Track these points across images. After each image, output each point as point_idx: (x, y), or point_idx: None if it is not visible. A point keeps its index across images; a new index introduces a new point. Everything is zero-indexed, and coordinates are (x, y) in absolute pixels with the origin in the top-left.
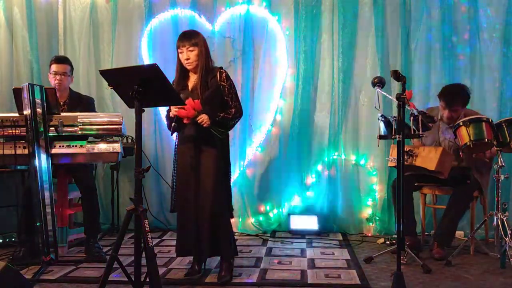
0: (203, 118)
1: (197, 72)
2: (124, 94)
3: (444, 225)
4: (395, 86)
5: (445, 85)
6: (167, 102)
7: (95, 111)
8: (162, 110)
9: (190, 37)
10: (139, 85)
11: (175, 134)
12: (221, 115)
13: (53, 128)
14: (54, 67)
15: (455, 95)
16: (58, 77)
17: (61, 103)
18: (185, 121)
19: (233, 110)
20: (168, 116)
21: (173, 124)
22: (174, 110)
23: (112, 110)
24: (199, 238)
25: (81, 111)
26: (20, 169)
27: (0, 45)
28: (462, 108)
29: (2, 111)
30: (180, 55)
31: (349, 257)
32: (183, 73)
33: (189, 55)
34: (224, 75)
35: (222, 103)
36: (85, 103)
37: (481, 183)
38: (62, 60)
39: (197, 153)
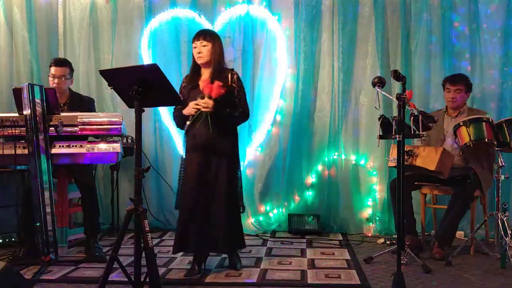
0: (208, 102)
1: (207, 69)
2: (124, 94)
3: (444, 225)
4: (395, 86)
5: None
6: (167, 102)
7: (95, 112)
8: (162, 110)
9: (205, 33)
10: (139, 85)
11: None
12: (228, 110)
13: (53, 128)
14: (52, 70)
15: (458, 76)
16: (56, 80)
17: (61, 104)
18: (192, 112)
19: (240, 109)
20: (179, 114)
21: (187, 122)
22: (193, 104)
23: (112, 110)
24: (211, 235)
25: (81, 112)
26: (20, 169)
27: (0, 45)
28: (465, 91)
29: (2, 111)
30: (193, 50)
31: (349, 257)
32: (195, 70)
33: (201, 49)
34: (235, 76)
35: (231, 103)
36: (86, 104)
37: (482, 180)
38: (61, 63)
39: (207, 153)
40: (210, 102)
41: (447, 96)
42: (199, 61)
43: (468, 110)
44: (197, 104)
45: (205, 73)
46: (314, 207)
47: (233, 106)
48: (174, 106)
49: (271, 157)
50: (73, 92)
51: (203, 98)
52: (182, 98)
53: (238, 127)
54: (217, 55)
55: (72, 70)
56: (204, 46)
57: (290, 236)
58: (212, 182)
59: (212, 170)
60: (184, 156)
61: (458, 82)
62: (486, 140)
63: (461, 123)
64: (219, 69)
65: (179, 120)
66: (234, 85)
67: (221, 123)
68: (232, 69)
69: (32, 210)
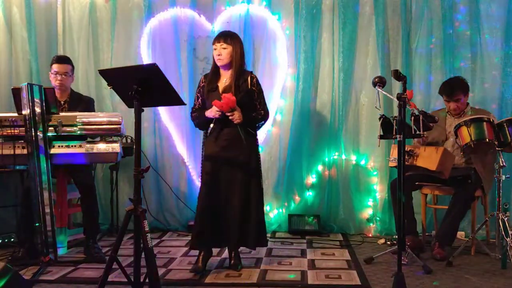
0: (236, 115)
1: (227, 71)
2: (123, 93)
3: (445, 225)
4: (396, 86)
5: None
6: (167, 102)
7: (95, 112)
8: (162, 110)
9: (226, 35)
10: (138, 85)
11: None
12: (253, 114)
13: (52, 128)
14: (55, 67)
15: (453, 85)
16: (59, 77)
17: (62, 103)
18: (216, 115)
19: (262, 112)
20: (201, 115)
21: (211, 125)
22: (214, 109)
23: (111, 110)
24: (230, 231)
25: (81, 111)
26: (19, 169)
27: None
28: (464, 96)
29: (1, 111)
30: (213, 51)
31: (349, 258)
32: (215, 71)
33: (221, 52)
34: (255, 80)
35: (251, 106)
36: (86, 103)
37: (484, 181)
38: (63, 60)
39: (227, 155)
40: (237, 113)
41: (448, 106)
42: (218, 63)
43: (471, 109)
44: (232, 118)
45: (224, 75)
46: (314, 208)
47: (255, 109)
48: (191, 106)
49: (271, 157)
50: (73, 91)
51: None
52: (200, 98)
53: None
54: (237, 58)
55: (73, 67)
56: (224, 48)
57: (290, 236)
58: (229, 182)
59: (229, 170)
60: (203, 157)
61: (455, 93)
62: (487, 140)
63: (462, 123)
64: (240, 71)
65: (201, 121)
66: (254, 88)
67: (247, 127)
68: (251, 72)
69: (31, 210)
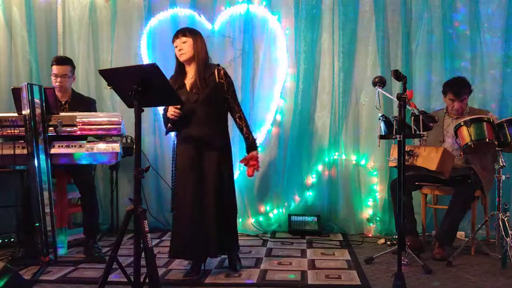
0: (175, 111)
1: (192, 66)
2: (123, 94)
3: (445, 225)
4: (396, 86)
5: (446, 81)
6: (167, 102)
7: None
8: (162, 110)
9: (184, 30)
10: (138, 85)
11: (173, 133)
12: (250, 137)
13: (52, 128)
14: (54, 69)
15: (460, 85)
16: (58, 79)
17: (63, 103)
18: (171, 116)
19: (242, 121)
20: (165, 116)
21: (168, 125)
22: (171, 111)
23: (112, 110)
24: (204, 239)
25: (82, 112)
26: (19, 169)
27: None
28: (467, 97)
29: (1, 111)
30: (175, 50)
31: (349, 258)
32: (180, 69)
33: (182, 46)
34: (222, 72)
35: (221, 100)
36: (87, 104)
37: (484, 182)
38: (62, 61)
39: (198, 153)
40: (256, 163)
41: (452, 105)
42: (181, 58)
43: (470, 110)
44: (174, 112)
45: (190, 71)
46: (314, 208)
47: (225, 103)
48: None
49: (271, 157)
50: (74, 92)
51: (186, 98)
52: None
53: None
54: (200, 50)
55: (73, 67)
56: (184, 42)
57: (290, 236)
58: (202, 183)
59: (202, 169)
60: (173, 157)
61: (463, 93)
62: (487, 140)
63: (462, 123)
64: (205, 65)
65: (164, 121)
66: (222, 81)
67: (213, 122)
68: (218, 65)
69: (31, 210)
